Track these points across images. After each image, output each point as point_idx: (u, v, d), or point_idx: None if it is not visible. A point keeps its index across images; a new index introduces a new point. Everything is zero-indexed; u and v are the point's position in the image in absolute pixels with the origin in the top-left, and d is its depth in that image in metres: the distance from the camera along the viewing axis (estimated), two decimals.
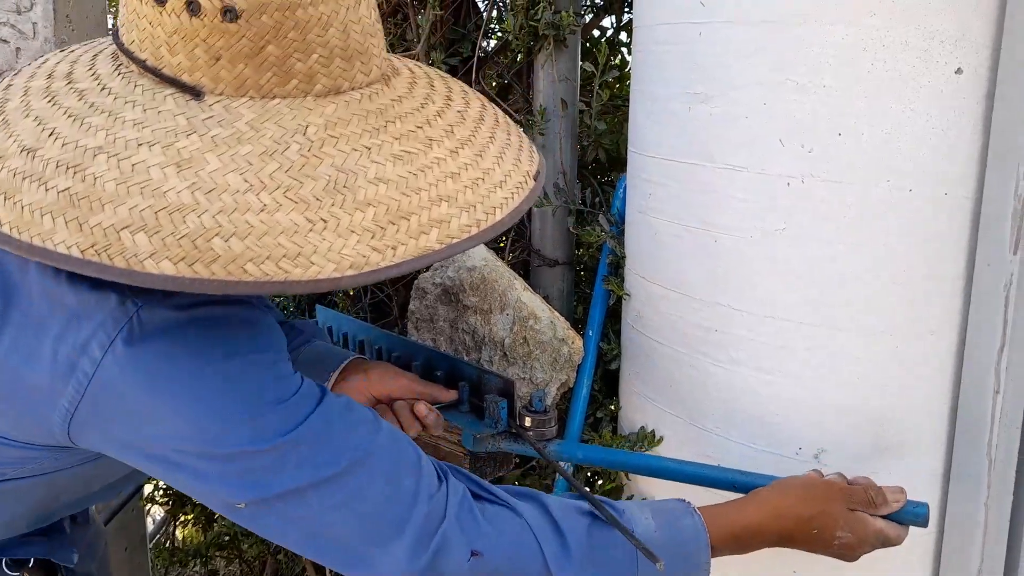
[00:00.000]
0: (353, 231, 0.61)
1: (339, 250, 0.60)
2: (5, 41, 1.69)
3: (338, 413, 0.74)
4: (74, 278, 0.67)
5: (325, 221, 0.61)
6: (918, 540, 1.05)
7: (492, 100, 1.64)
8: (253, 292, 0.58)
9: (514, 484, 1.64)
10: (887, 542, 0.88)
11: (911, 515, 0.89)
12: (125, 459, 0.72)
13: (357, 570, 0.73)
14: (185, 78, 0.66)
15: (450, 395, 1.08)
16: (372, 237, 0.61)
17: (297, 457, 0.69)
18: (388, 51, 0.80)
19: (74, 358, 0.66)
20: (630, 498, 1.22)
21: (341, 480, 0.71)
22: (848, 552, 0.87)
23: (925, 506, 0.89)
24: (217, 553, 2.03)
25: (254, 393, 0.69)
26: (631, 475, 1.24)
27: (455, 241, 0.65)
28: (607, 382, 1.36)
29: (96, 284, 0.66)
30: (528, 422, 1.09)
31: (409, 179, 0.66)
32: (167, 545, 2.14)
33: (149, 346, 0.66)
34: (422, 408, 1.02)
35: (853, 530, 0.86)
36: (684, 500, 0.88)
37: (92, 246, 0.58)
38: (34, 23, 1.71)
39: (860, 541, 0.86)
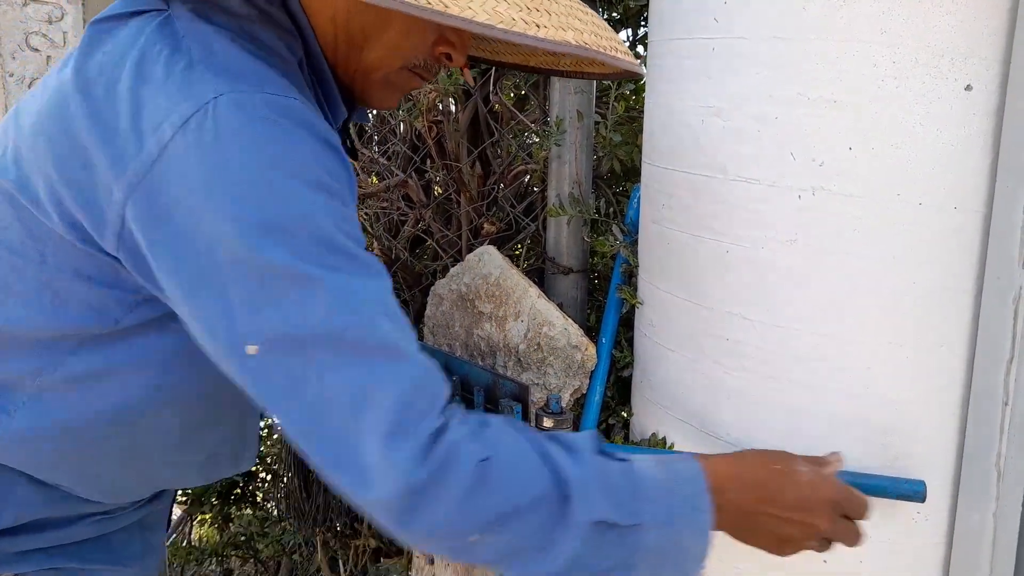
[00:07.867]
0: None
1: (492, 7, 0.66)
2: (36, 50, 1.74)
3: (393, 301, 0.70)
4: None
5: None
6: (927, 552, 1.06)
7: (508, 111, 1.67)
8: (404, 10, 0.61)
9: None
10: (848, 505, 0.81)
11: (909, 491, 0.88)
12: (163, 267, 0.68)
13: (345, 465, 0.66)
14: None
15: None
16: (520, 11, 0.68)
17: (335, 300, 0.65)
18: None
19: (148, 134, 0.66)
20: None
21: (368, 353, 0.66)
22: (813, 508, 0.79)
23: (922, 483, 0.89)
24: (233, 552, 2.06)
25: (321, 210, 0.66)
26: None
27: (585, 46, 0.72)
28: (619, 389, 1.38)
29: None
30: (547, 423, 1.11)
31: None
32: (183, 544, 2.18)
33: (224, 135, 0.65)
34: None
35: (813, 478, 0.80)
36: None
37: None
38: (64, 32, 1.76)
39: (821, 489, 0.80)
